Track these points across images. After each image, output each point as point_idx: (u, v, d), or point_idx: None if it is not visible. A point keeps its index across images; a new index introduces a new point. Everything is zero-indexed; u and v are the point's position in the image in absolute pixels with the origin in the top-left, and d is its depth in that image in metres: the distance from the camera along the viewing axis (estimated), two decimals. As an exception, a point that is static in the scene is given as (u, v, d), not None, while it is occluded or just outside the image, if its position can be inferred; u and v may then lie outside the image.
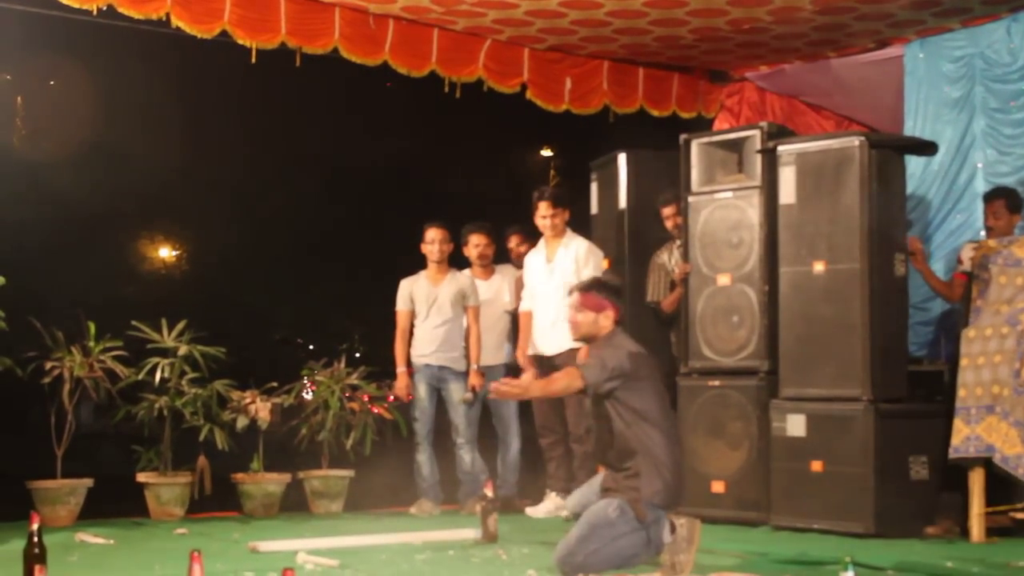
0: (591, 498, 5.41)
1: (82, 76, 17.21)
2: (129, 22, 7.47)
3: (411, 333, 8.18)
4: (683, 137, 7.86)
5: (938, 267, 8.03)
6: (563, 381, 5.35)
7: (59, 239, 19.99)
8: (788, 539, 6.55)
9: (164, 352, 7.91)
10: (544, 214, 8.00)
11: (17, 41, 8.28)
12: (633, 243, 8.28)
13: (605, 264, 8.37)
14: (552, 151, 21.45)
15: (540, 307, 8.03)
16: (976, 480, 6.39)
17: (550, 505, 7.87)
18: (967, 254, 7.05)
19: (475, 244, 8.46)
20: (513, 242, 8.68)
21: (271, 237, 22.80)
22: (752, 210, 7.46)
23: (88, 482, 7.59)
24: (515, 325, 8.37)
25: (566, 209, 8.07)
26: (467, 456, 8.07)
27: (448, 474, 8.24)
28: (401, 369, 8.15)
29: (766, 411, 7.15)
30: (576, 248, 8.00)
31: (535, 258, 8.16)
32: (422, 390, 8.08)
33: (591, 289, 5.52)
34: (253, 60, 7.84)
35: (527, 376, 6.85)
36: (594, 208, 8.63)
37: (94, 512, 7.59)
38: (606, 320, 5.46)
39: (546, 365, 7.69)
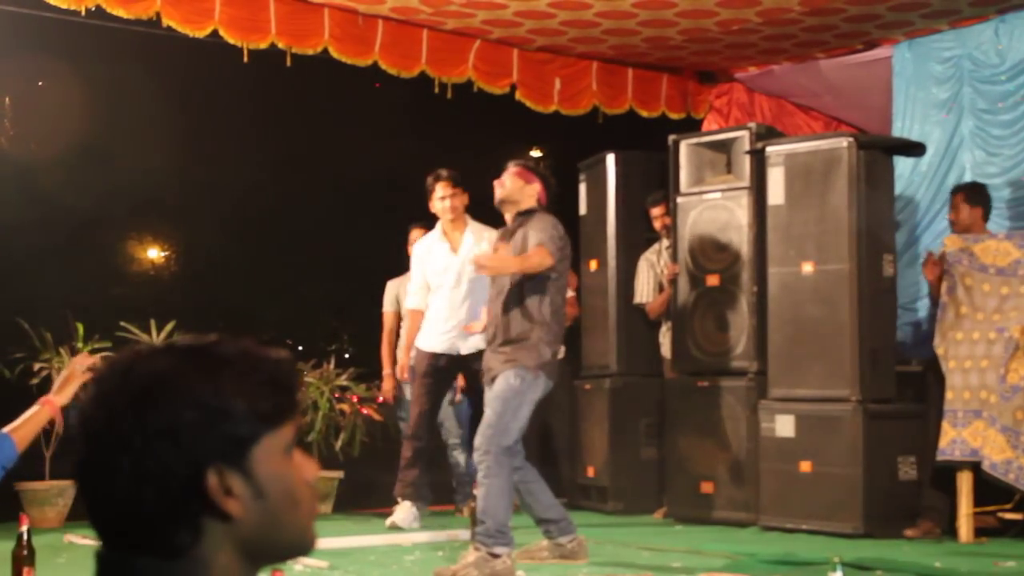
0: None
1: (71, 77, 17.16)
2: (119, 22, 7.47)
3: (397, 335, 8.14)
4: (672, 138, 7.87)
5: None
6: (536, 258, 5.62)
7: (47, 240, 19.93)
8: (777, 539, 6.56)
9: (153, 353, 7.88)
10: (443, 194, 7.41)
11: (4, 42, 8.25)
12: (621, 244, 8.28)
13: (594, 265, 8.39)
14: (541, 152, 21.47)
15: (446, 304, 7.41)
16: (964, 481, 6.41)
17: (409, 514, 7.37)
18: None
19: None
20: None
21: (260, 238, 22.75)
22: (741, 211, 7.47)
23: (76, 483, 7.57)
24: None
25: (466, 192, 7.54)
26: (461, 457, 8.04)
27: (435, 475, 8.22)
28: (387, 371, 8.13)
29: (755, 412, 7.16)
30: (489, 238, 7.36)
31: (438, 248, 7.53)
32: (408, 391, 8.05)
33: (524, 165, 5.92)
34: (245, 60, 7.84)
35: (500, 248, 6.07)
36: (583, 209, 8.63)
37: (82, 514, 7.52)
38: (531, 191, 5.83)
39: (456, 364, 7.46)
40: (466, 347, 7.40)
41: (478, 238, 7.49)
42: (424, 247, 7.62)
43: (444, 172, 7.49)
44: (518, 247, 5.73)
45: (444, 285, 7.46)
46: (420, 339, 7.53)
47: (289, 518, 1.44)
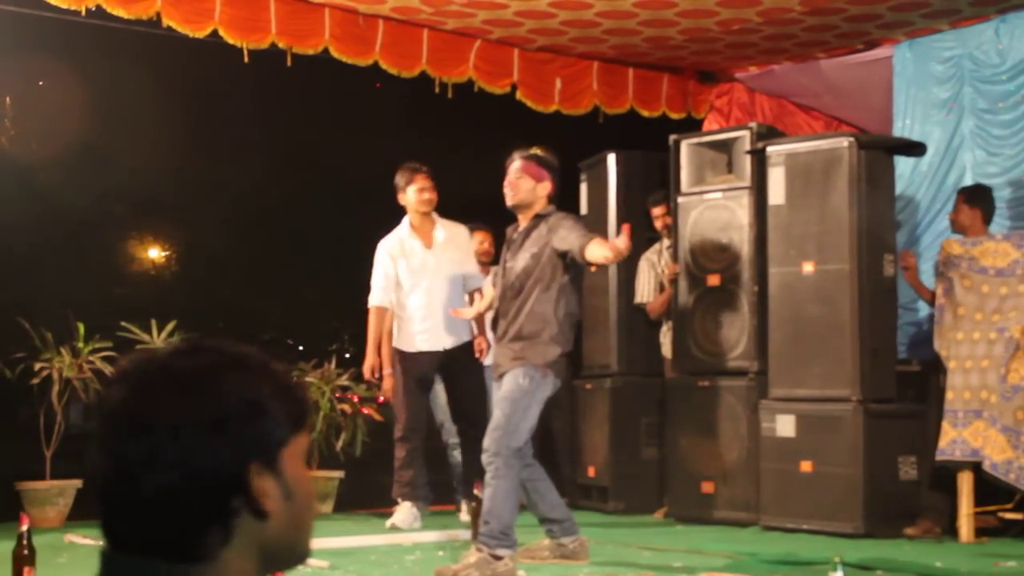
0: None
1: (71, 77, 17.17)
2: (119, 22, 7.46)
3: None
4: (673, 137, 7.87)
5: (927, 268, 8.04)
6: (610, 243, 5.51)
7: (48, 240, 19.95)
8: (777, 539, 6.56)
9: (153, 353, 7.88)
10: (423, 186, 7.36)
11: (4, 42, 8.25)
12: (623, 244, 8.27)
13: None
14: (542, 152, 21.50)
15: (424, 302, 7.40)
16: (965, 481, 6.41)
17: (409, 515, 7.42)
18: None
19: (479, 241, 8.39)
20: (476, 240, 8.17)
21: (260, 237, 22.77)
22: (741, 211, 7.47)
23: (77, 483, 7.57)
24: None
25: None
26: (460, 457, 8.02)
27: (436, 475, 8.22)
28: (387, 371, 8.12)
29: (756, 411, 7.16)
30: (459, 235, 7.51)
31: (411, 244, 7.46)
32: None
33: (531, 159, 5.71)
34: (245, 60, 7.84)
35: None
36: (583, 209, 8.63)
37: (83, 513, 7.56)
38: (543, 191, 5.69)
39: (439, 360, 7.46)
40: (449, 341, 7.42)
41: (451, 233, 7.49)
42: (395, 245, 7.49)
43: (423, 166, 7.43)
44: (540, 247, 5.63)
45: (421, 283, 7.43)
46: (399, 340, 7.52)
47: (306, 522, 1.47)
